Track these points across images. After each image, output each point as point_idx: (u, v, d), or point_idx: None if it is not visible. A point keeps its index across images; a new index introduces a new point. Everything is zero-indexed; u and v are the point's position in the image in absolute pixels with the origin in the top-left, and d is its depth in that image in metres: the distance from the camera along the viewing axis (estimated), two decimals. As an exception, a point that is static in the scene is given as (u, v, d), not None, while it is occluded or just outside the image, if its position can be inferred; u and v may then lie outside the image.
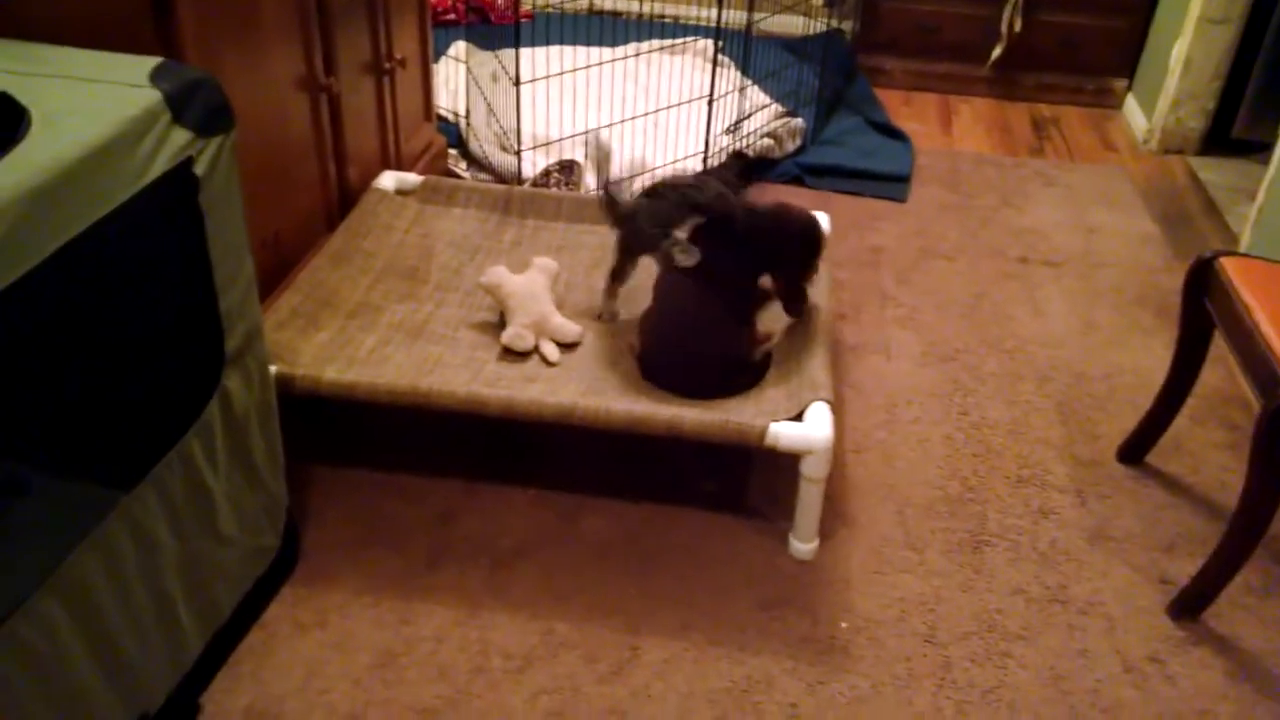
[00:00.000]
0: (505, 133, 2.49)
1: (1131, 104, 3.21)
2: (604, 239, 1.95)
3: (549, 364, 1.70)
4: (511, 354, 1.72)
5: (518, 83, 2.24)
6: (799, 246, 1.70)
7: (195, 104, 1.14)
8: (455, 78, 2.88)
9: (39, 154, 0.97)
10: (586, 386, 1.65)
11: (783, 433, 1.48)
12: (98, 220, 1.02)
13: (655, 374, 1.66)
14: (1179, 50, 2.88)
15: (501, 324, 1.76)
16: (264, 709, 1.34)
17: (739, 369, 1.68)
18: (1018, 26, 3.17)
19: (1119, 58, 3.23)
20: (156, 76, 1.12)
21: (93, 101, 1.08)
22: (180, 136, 1.12)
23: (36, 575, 1.03)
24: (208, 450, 1.25)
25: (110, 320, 1.28)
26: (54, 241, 0.97)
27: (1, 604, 1.01)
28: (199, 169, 1.15)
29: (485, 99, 2.61)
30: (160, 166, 1.10)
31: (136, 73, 1.13)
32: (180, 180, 1.14)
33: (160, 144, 1.10)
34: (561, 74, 2.46)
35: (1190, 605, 1.53)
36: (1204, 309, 1.60)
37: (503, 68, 2.43)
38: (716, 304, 1.64)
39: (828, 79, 2.94)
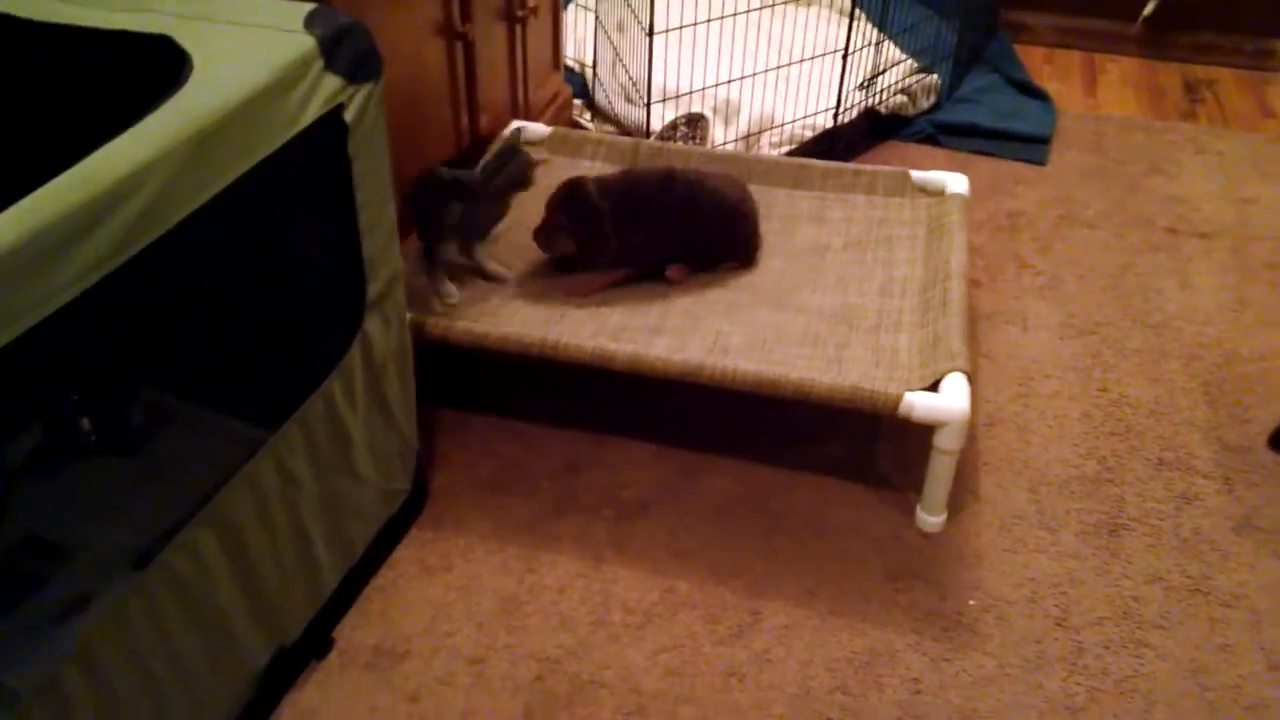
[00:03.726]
0: (633, 83, 2.46)
1: (1295, 66, 3.00)
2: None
3: None
4: (635, 307, 1.71)
5: (651, 33, 2.21)
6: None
7: (346, 50, 1.14)
8: (582, 26, 2.85)
9: (202, 99, 0.99)
10: (712, 342, 1.63)
11: (918, 402, 1.44)
12: (253, 166, 1.04)
13: None
14: (1355, 9, 2.67)
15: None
16: (392, 647, 1.37)
17: None
18: (1174, -19, 2.99)
19: (1283, 16, 3.02)
20: (310, 22, 1.13)
21: (250, 46, 1.09)
22: (332, 83, 1.13)
23: (191, 506, 1.07)
24: (348, 393, 1.27)
25: (262, 265, 1.31)
26: (213, 186, 0.99)
27: (159, 532, 1.05)
28: (348, 116, 1.16)
29: (614, 48, 2.58)
30: (313, 113, 1.11)
31: (291, 18, 1.14)
32: (330, 127, 1.15)
33: (313, 90, 1.10)
34: (695, 24, 2.41)
35: (1345, 604, 1.45)
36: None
37: (635, 16, 2.40)
38: None
39: (966, 34, 2.82)
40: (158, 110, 0.96)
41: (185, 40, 1.09)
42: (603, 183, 1.74)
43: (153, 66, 1.08)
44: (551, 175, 2.04)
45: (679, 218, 1.76)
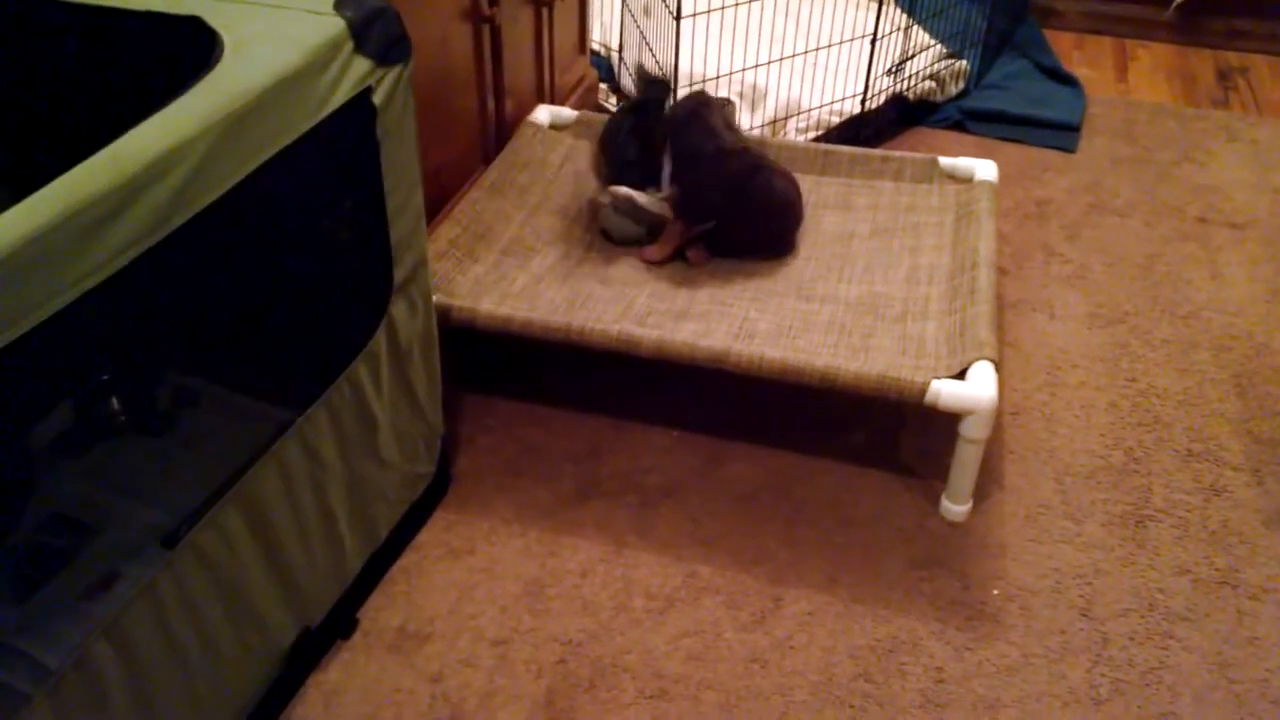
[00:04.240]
0: (660, 67, 2.45)
1: (1332, 53, 2.95)
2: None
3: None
4: (660, 292, 1.71)
5: (678, 17, 2.19)
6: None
7: (375, 33, 1.14)
8: (608, 10, 2.84)
9: (233, 80, 0.99)
10: (738, 328, 1.63)
11: (944, 391, 1.43)
12: (283, 148, 1.04)
13: None
14: (1395, -5, 2.62)
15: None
16: (416, 629, 1.38)
17: None
18: (1209, -34, 2.94)
19: (1320, 2, 2.97)
20: (340, 4, 1.13)
21: (280, 28, 1.09)
22: (361, 66, 1.13)
23: (219, 486, 1.08)
24: (374, 377, 1.28)
25: (290, 249, 1.32)
26: (243, 169, 0.99)
27: (188, 511, 1.06)
28: (377, 98, 1.16)
29: (640, 32, 2.57)
30: (342, 96, 1.11)
31: (321, 0, 1.14)
32: (359, 110, 1.15)
33: (343, 73, 1.10)
34: (723, 8, 2.40)
35: (1376, 599, 1.43)
36: None
37: (662, 0, 2.38)
38: None
39: (995, 20, 2.79)
40: (189, 91, 0.96)
41: (216, 21, 1.09)
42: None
43: (183, 47, 1.08)
44: (578, 159, 2.04)
45: (725, 199, 1.74)
